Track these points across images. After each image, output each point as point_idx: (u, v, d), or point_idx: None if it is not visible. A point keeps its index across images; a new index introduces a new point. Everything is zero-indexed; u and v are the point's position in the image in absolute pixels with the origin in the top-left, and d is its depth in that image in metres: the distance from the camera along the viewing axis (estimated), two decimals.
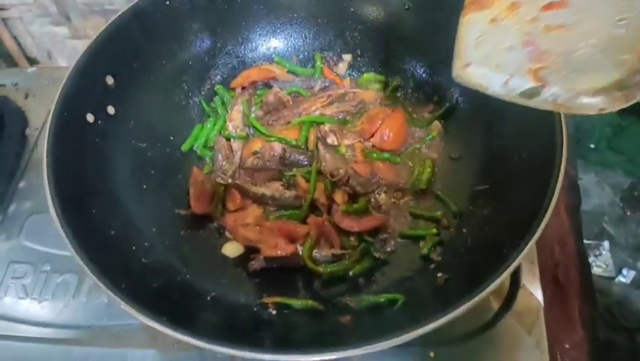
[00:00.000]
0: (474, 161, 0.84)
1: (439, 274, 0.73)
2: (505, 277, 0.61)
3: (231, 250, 0.82)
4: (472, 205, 0.79)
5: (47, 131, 0.73)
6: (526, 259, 0.85)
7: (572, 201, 1.18)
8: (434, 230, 0.79)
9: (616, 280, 2.37)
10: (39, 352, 0.83)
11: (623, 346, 2.16)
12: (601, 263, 2.40)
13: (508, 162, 0.76)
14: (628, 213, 2.53)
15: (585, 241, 2.36)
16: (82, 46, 1.30)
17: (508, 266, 0.61)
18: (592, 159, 2.67)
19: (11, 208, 0.99)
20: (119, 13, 0.85)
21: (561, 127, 0.69)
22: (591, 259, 2.39)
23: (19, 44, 1.37)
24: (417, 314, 0.62)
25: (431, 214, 0.81)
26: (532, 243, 0.62)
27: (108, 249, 0.71)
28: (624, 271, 2.38)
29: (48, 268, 0.91)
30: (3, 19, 1.29)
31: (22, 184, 1.02)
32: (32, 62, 1.44)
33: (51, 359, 0.83)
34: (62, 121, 0.75)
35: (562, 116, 0.70)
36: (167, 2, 0.89)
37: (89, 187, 0.76)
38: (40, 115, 1.11)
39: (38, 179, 0.98)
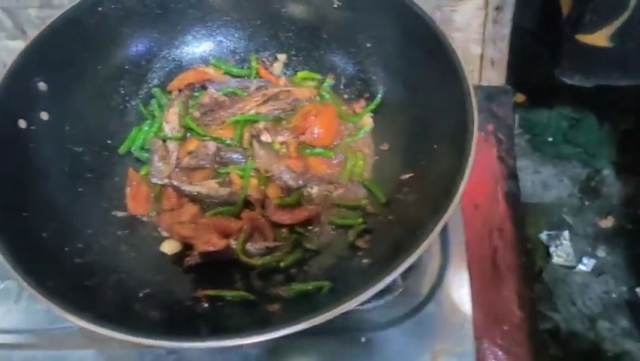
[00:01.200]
0: (400, 152, 0.88)
1: (365, 260, 0.76)
2: (420, 252, 0.64)
3: (169, 247, 0.84)
4: (399, 193, 0.82)
5: None
6: (456, 243, 0.88)
7: (511, 189, 1.22)
8: (360, 219, 0.82)
9: (577, 268, 2.43)
10: None
11: (585, 335, 2.22)
12: (562, 253, 2.46)
13: (428, 150, 0.80)
14: (586, 203, 2.59)
15: (546, 232, 2.42)
16: None
17: (423, 241, 0.64)
18: (550, 152, 2.73)
19: None
20: (48, 23, 0.87)
21: (472, 117, 0.73)
22: (552, 249, 2.44)
23: None
24: (341, 297, 0.64)
25: (355, 204, 0.83)
26: (444, 219, 0.65)
27: (38, 250, 0.72)
28: (584, 260, 2.44)
29: None
30: None
31: None
32: None
33: None
34: None
35: (473, 106, 0.74)
36: (100, 9, 0.91)
37: (21, 192, 0.77)
38: None
39: None
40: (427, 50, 0.82)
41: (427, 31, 0.82)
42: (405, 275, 0.82)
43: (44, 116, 0.85)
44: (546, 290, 2.34)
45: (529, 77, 2.54)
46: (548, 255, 2.46)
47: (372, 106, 0.93)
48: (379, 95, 0.93)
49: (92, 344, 0.83)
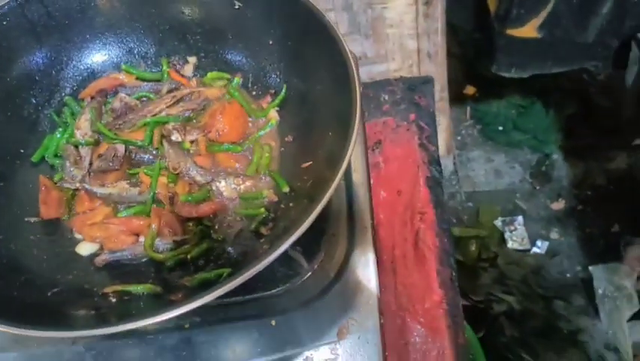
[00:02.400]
0: (302, 142, 0.92)
1: (265, 246, 0.79)
2: (305, 227, 0.68)
3: (85, 248, 0.87)
4: (299, 181, 0.86)
5: None
6: (362, 228, 0.92)
7: (432, 174, 1.26)
8: (262, 209, 0.85)
9: (531, 251, 2.50)
10: None
11: (540, 314, 2.27)
12: (516, 238, 2.52)
13: (324, 138, 0.84)
14: (537, 188, 2.66)
15: (500, 218, 2.49)
16: None
17: (309, 216, 0.68)
18: (501, 140, 2.81)
19: None
20: None
21: (356, 105, 0.77)
22: (507, 234, 2.51)
23: None
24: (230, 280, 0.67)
25: (257, 194, 0.87)
26: (328, 195, 0.69)
27: None
28: (538, 243, 2.51)
29: None
30: None
31: None
32: None
33: None
34: None
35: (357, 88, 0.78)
36: (5, 22, 0.93)
37: None
38: None
39: None
40: (317, 42, 0.87)
41: (315, 24, 0.86)
42: (310, 259, 0.86)
43: None
44: (500, 274, 2.40)
45: (477, 69, 2.61)
46: (503, 241, 2.53)
47: (277, 101, 0.97)
48: (283, 91, 0.97)
49: (14, 346, 0.85)
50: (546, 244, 2.50)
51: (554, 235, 2.53)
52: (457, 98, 2.72)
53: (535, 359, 2.06)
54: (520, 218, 2.59)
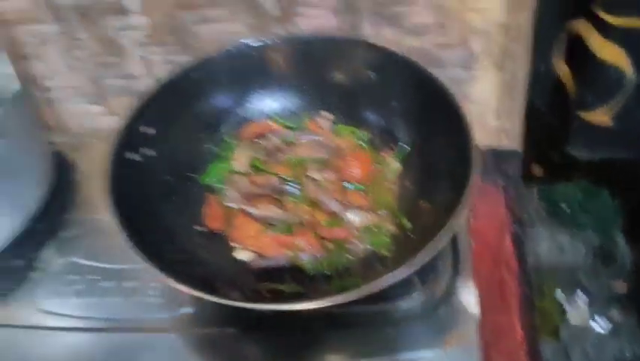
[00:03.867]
0: (420, 187, 1.12)
1: (390, 267, 0.98)
2: (433, 253, 0.87)
3: (243, 255, 1.08)
4: (418, 219, 1.06)
5: (108, 165, 1.01)
6: (464, 261, 1.10)
7: (516, 232, 1.44)
8: (385, 238, 1.05)
9: (591, 328, 2.55)
10: (89, 339, 1.07)
11: None
12: (576, 313, 2.59)
13: (440, 185, 1.04)
14: (600, 267, 2.74)
15: (561, 292, 2.57)
16: (112, 121, 1.55)
17: (437, 244, 0.87)
18: (566, 220, 2.92)
19: (64, 234, 1.25)
20: (152, 85, 1.16)
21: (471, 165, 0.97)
22: (567, 308, 2.57)
23: (59, 119, 1.61)
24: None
25: (378, 226, 1.07)
26: (451, 229, 0.88)
27: (154, 253, 0.95)
28: (599, 320, 2.56)
29: (93, 277, 1.15)
30: (48, 99, 1.56)
31: (72, 216, 1.29)
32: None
33: (96, 344, 1.06)
34: (116, 160, 1.03)
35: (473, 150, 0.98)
36: (190, 75, 1.20)
37: (134, 209, 1.01)
38: (86, 164, 1.40)
39: (84, 211, 1.28)
40: (439, 108, 1.09)
41: (441, 97, 1.08)
42: (422, 280, 1.04)
43: (147, 152, 1.12)
44: (562, 348, 2.46)
45: (546, 151, 2.78)
46: (564, 314, 2.60)
47: (398, 154, 1.18)
48: (404, 146, 1.18)
49: (175, 330, 1.05)
50: (607, 322, 2.56)
51: (615, 314, 2.58)
52: (525, 175, 2.88)
53: None
54: (581, 294, 2.66)
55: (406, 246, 1.03)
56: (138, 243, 0.92)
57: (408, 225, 1.07)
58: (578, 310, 2.57)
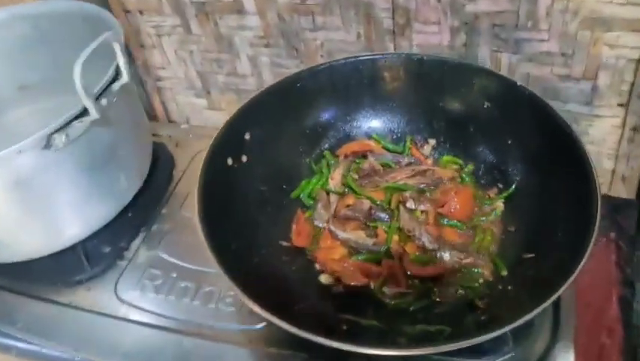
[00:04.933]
0: (525, 234, 1.02)
1: (482, 317, 0.90)
2: (531, 316, 0.78)
3: (325, 278, 1.03)
4: (519, 268, 0.96)
5: (200, 168, 1.00)
6: (566, 325, 0.99)
7: (625, 295, 1.29)
8: (477, 284, 0.97)
9: None
10: (160, 337, 1.07)
11: None
12: None
13: (551, 237, 0.94)
14: None
15: None
16: (215, 116, 1.60)
17: (535, 308, 0.78)
18: None
19: (154, 227, 1.27)
20: (259, 91, 1.14)
21: (596, 219, 0.87)
22: None
23: (165, 109, 1.66)
24: (457, 341, 0.79)
25: (473, 270, 0.99)
26: (557, 293, 0.79)
27: (234, 262, 0.93)
28: None
29: (175, 275, 1.16)
30: (158, 88, 1.62)
31: (164, 210, 1.30)
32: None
33: (166, 343, 1.05)
34: (211, 162, 1.02)
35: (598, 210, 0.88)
36: (298, 84, 1.18)
37: (223, 213, 1.01)
38: (185, 160, 1.42)
39: (177, 207, 1.29)
40: (562, 153, 0.98)
41: (564, 138, 0.98)
42: (516, 339, 0.95)
43: (244, 158, 1.11)
44: None
45: None
46: None
47: (506, 194, 1.09)
48: (513, 186, 1.09)
49: (247, 345, 1.02)
50: None
51: None
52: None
53: None
54: None
55: (500, 297, 0.94)
56: (219, 249, 0.90)
57: (505, 273, 0.98)
58: None
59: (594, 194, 0.89)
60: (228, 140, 1.08)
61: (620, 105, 1.25)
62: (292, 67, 1.41)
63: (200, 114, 1.64)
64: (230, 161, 1.08)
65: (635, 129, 1.49)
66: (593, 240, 0.84)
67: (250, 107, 1.12)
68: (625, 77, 1.18)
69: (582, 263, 0.82)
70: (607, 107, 1.25)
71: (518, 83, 1.08)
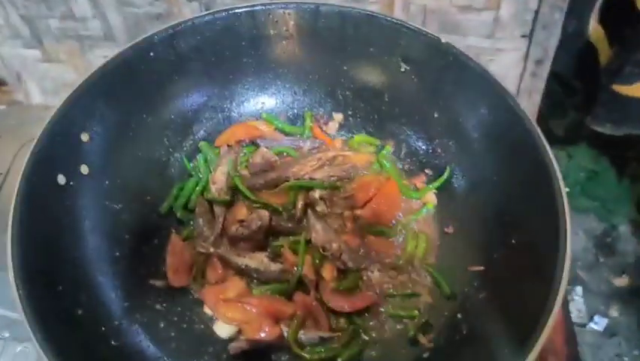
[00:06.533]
0: (468, 238, 0.81)
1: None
2: None
3: (223, 330, 0.76)
4: (467, 287, 0.75)
5: (14, 198, 0.66)
6: None
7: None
8: (415, 312, 0.75)
9: (587, 326, 2.37)
10: None
11: None
12: (573, 309, 2.39)
13: (505, 245, 0.73)
14: (601, 260, 2.53)
15: None
16: (55, 70, 1.28)
17: None
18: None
19: None
20: (99, 65, 0.79)
21: (565, 218, 0.66)
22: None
23: None
24: None
25: (410, 293, 0.77)
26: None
27: (74, 332, 0.64)
28: (596, 319, 2.37)
29: (6, 335, 0.84)
30: None
31: None
32: (0, 83, 1.39)
33: None
34: (31, 185, 0.68)
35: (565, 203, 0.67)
36: (152, 54, 0.84)
37: (56, 258, 0.69)
38: (7, 158, 1.04)
39: (0, 231, 0.92)
40: (500, 123, 0.76)
41: (506, 108, 0.76)
42: None
43: (84, 169, 0.78)
44: None
45: (551, 126, 2.50)
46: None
47: (437, 183, 0.87)
48: (446, 172, 0.86)
49: None
50: (605, 320, 2.38)
51: (614, 312, 2.40)
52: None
53: None
54: (579, 289, 2.46)
55: (451, 333, 0.73)
56: (47, 324, 0.60)
57: (448, 292, 0.77)
58: (574, 307, 2.38)
59: (554, 183, 0.69)
60: (55, 148, 0.73)
61: (524, 37, 1.16)
62: (145, 5, 1.11)
63: (35, 68, 1.33)
64: (61, 179, 0.74)
65: (538, 62, 1.40)
66: (568, 249, 0.64)
67: (83, 95, 0.77)
68: (529, 5, 1.08)
69: (562, 286, 0.61)
70: (509, 39, 1.16)
71: (443, 40, 0.83)
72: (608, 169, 2.66)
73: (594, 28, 1.43)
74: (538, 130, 0.72)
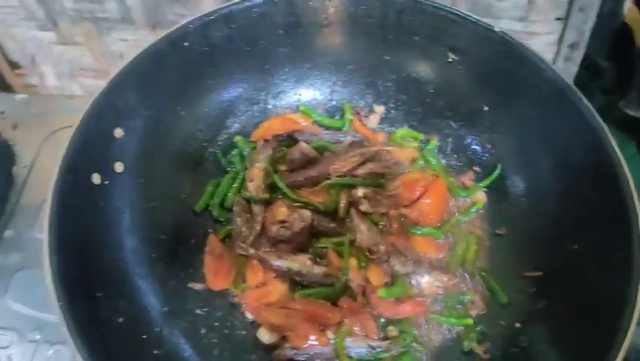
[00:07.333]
0: (522, 241, 0.76)
1: None
2: None
3: (265, 336, 0.72)
4: (522, 295, 0.71)
5: (48, 206, 0.62)
6: None
7: None
8: (469, 320, 0.71)
9: None
10: None
11: None
12: None
13: (565, 251, 0.69)
14: None
15: None
16: (70, 52, 1.23)
17: None
18: None
19: None
20: (131, 58, 0.75)
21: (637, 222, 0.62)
22: None
23: (0, 47, 1.26)
24: None
25: (458, 300, 0.74)
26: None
27: (116, 343, 0.61)
28: None
29: (37, 337, 0.80)
30: None
31: (8, 233, 0.91)
32: (14, 66, 1.32)
33: None
34: (66, 189, 0.64)
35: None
36: (186, 43, 0.79)
37: (94, 263, 0.66)
38: (30, 150, 1.00)
39: (28, 226, 0.90)
40: (559, 116, 0.72)
41: (556, 90, 0.72)
42: None
43: (119, 167, 0.74)
44: None
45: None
46: None
47: (487, 181, 0.82)
48: (497, 170, 0.82)
49: None
50: None
51: None
52: None
53: None
54: None
55: (508, 344, 0.69)
56: (84, 322, 0.57)
57: (504, 300, 0.73)
58: None
59: (626, 194, 0.64)
60: (89, 145, 0.69)
61: (559, 19, 1.10)
62: None
63: (49, 51, 1.25)
64: (96, 178, 0.70)
65: (572, 46, 1.34)
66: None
67: (115, 90, 0.73)
68: None
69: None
70: (544, 22, 1.10)
71: (496, 29, 0.78)
72: (635, 155, 2.61)
73: (630, 8, 1.37)
74: (613, 142, 0.67)
